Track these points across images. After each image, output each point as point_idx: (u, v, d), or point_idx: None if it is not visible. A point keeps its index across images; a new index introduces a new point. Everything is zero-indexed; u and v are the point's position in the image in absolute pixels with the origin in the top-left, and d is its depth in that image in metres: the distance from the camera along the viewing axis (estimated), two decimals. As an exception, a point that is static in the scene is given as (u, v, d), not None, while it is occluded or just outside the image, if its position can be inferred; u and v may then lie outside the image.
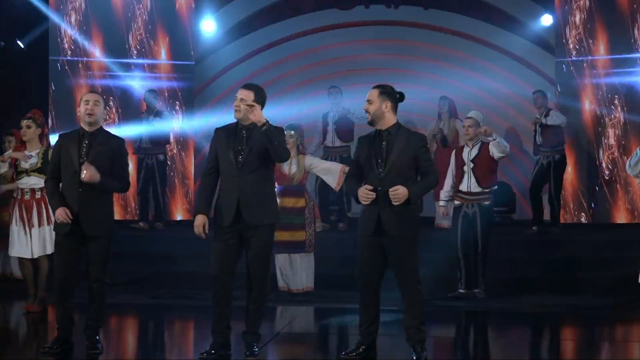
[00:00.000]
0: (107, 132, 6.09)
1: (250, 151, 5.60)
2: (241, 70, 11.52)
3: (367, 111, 5.60)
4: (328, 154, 9.91)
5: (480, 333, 7.25)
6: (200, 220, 5.63)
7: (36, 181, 7.44)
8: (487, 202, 7.95)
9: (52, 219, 7.26)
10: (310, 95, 10.88)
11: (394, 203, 5.42)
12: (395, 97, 5.57)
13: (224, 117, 10.40)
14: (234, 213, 5.57)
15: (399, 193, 5.39)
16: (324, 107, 10.22)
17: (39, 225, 7.47)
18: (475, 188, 7.90)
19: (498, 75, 11.22)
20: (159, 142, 10.10)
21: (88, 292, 5.93)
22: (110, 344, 6.40)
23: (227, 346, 5.72)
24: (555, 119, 9.52)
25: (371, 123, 5.61)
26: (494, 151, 7.86)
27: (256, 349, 5.69)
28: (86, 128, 5.89)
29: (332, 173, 7.90)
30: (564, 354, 6.52)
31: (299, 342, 6.80)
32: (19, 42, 10.46)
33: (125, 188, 6.17)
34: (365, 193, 5.46)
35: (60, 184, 5.97)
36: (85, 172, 5.71)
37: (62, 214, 5.76)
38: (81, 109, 5.90)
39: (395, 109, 5.58)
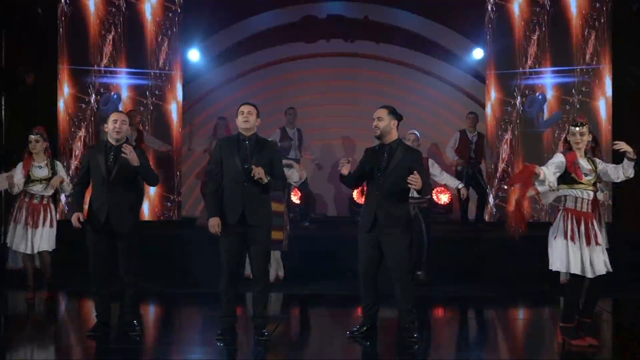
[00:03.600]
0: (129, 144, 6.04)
1: (257, 162, 5.60)
2: (222, 92, 11.66)
3: (377, 127, 5.68)
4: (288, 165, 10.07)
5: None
6: (215, 221, 5.62)
7: (45, 189, 7.51)
8: (424, 205, 8.11)
9: (55, 221, 7.54)
10: (279, 113, 11.03)
11: (412, 186, 5.42)
12: (398, 117, 5.75)
13: (210, 132, 11.08)
14: (240, 214, 5.63)
15: (417, 180, 5.40)
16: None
17: (43, 225, 7.49)
18: (415, 194, 8.26)
19: (437, 99, 11.57)
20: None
21: (120, 282, 5.97)
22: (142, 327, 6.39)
23: (235, 329, 5.82)
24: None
25: (379, 137, 5.71)
26: (441, 178, 8.25)
27: (265, 331, 5.77)
28: (113, 142, 5.90)
29: (293, 172, 8.10)
30: (495, 328, 6.92)
31: (305, 325, 7.02)
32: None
33: (157, 180, 6.07)
34: (342, 161, 5.66)
35: (89, 188, 6.00)
36: (127, 154, 5.72)
37: (74, 219, 5.84)
38: (110, 126, 5.90)
39: (398, 127, 5.74)
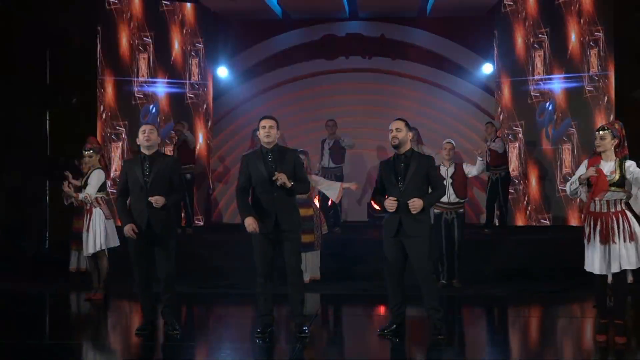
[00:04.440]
0: (162, 153, 6.19)
1: (282, 171, 5.69)
2: (249, 106, 11.86)
3: (395, 137, 5.76)
4: (324, 174, 10.06)
5: (458, 313, 7.36)
6: (251, 219, 5.67)
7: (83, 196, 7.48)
8: (461, 210, 8.11)
9: (90, 226, 7.38)
10: (302, 125, 11.49)
11: (412, 212, 5.64)
12: (411, 129, 5.91)
13: (238, 143, 11.34)
14: (274, 222, 5.73)
15: (415, 204, 5.62)
16: (315, 134, 10.62)
17: (90, 229, 7.43)
18: (454, 199, 8.02)
19: (449, 111, 11.71)
20: (185, 163, 10.13)
21: (161, 283, 5.99)
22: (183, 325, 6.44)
23: (272, 327, 5.91)
24: (499, 145, 10.07)
25: (397, 147, 5.78)
26: (473, 170, 8.15)
27: (306, 328, 5.85)
28: (146, 152, 5.96)
29: (333, 189, 8.14)
30: (521, 326, 6.91)
31: (336, 324, 7.05)
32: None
33: (182, 197, 6.17)
34: (390, 203, 5.68)
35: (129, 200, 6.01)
36: (155, 202, 5.82)
37: (129, 230, 5.85)
38: (140, 137, 5.97)
39: (413, 138, 5.87)
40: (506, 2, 11.05)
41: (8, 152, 10.09)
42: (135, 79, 10.96)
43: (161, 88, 11.14)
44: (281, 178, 5.68)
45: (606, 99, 10.52)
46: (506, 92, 11.14)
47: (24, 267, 9.41)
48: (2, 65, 10.09)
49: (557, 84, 10.80)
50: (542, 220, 10.90)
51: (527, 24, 10.96)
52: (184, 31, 11.23)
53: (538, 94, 10.89)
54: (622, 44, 10.43)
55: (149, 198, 5.85)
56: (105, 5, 10.82)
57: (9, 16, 10.19)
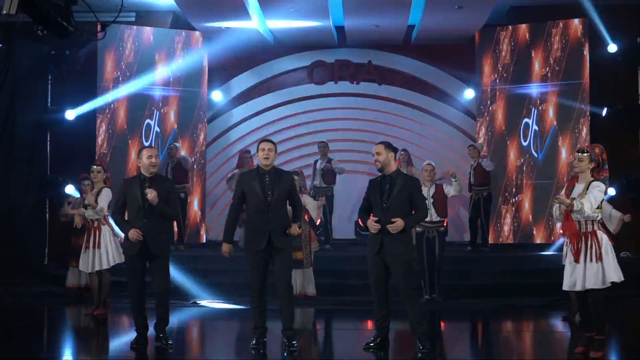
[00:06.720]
0: (160, 175, 6.11)
1: (278, 193, 5.74)
2: (242, 129, 11.91)
3: (377, 161, 5.74)
4: (316, 192, 10.13)
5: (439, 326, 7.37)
6: (227, 247, 5.81)
7: (92, 213, 7.39)
8: (442, 228, 8.12)
9: (101, 243, 7.35)
10: (293, 147, 11.53)
11: (391, 232, 5.60)
12: (394, 150, 5.84)
13: (231, 164, 11.28)
14: (267, 240, 5.71)
15: (395, 225, 5.59)
16: (305, 156, 10.65)
17: (99, 247, 7.34)
18: (435, 218, 8.01)
19: (433, 134, 11.75)
20: (179, 183, 9.99)
21: (156, 299, 5.95)
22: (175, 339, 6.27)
23: (265, 339, 5.87)
24: (487, 165, 10.10)
25: (381, 170, 5.78)
26: (451, 190, 8.11)
27: (295, 342, 5.78)
28: (147, 174, 5.92)
29: (312, 206, 8.31)
30: (497, 340, 6.94)
31: (324, 337, 7.03)
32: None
33: (175, 216, 6.15)
34: (372, 224, 5.68)
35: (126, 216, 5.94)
36: (149, 194, 5.77)
37: (134, 233, 5.78)
38: (145, 162, 5.88)
39: (395, 158, 5.82)
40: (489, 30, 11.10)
41: (10, 170, 10.00)
42: (139, 92, 10.91)
43: (159, 91, 11.01)
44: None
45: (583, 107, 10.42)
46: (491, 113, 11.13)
47: (23, 283, 9.24)
48: (4, 86, 10.04)
49: (536, 89, 10.72)
50: (524, 239, 10.83)
51: (506, 50, 10.99)
52: (184, 55, 11.20)
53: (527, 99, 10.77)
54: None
55: (146, 190, 5.79)
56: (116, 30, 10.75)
57: (10, 37, 10.16)
